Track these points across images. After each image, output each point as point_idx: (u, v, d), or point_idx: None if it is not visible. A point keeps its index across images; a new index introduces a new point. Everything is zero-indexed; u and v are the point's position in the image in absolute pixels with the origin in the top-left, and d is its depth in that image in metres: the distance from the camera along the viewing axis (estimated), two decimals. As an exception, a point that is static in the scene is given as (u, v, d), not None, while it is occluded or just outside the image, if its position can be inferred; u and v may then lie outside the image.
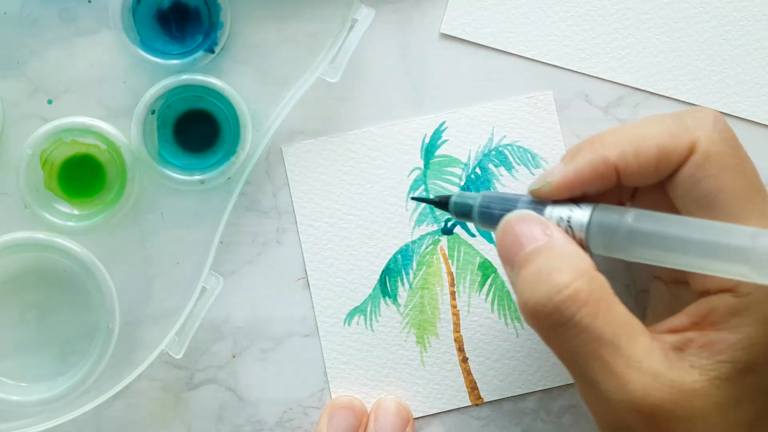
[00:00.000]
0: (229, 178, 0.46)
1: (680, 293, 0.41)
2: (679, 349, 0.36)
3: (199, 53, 0.46)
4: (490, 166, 0.48)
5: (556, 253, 0.36)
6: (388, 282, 0.47)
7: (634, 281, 0.48)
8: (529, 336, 0.47)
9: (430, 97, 0.48)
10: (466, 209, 0.40)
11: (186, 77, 0.45)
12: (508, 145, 0.48)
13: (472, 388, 0.47)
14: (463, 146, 0.48)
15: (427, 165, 0.48)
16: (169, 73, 0.45)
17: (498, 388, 0.47)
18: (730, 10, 0.48)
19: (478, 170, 0.48)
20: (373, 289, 0.47)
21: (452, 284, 0.47)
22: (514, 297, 0.47)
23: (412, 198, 0.44)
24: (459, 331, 0.47)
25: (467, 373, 0.47)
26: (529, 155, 0.48)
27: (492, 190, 0.47)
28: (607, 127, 0.47)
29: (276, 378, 0.47)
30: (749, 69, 0.48)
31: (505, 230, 0.38)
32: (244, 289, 0.47)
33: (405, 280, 0.47)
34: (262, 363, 0.47)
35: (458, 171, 0.47)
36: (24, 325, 0.47)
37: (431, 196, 0.44)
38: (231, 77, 0.46)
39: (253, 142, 0.46)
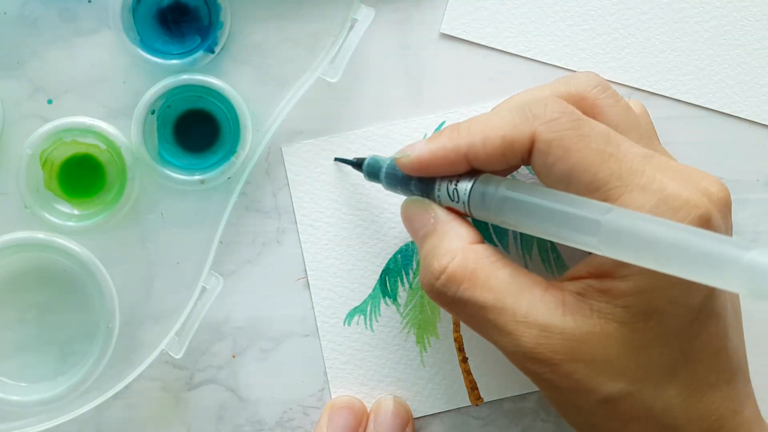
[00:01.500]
0: (229, 178, 0.46)
1: None
2: (581, 294, 0.38)
3: (199, 53, 0.46)
4: (490, 166, 0.48)
5: (437, 235, 0.40)
6: (388, 282, 0.47)
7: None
8: (529, 336, 0.47)
9: (430, 97, 0.48)
10: (376, 170, 0.44)
11: (186, 77, 0.45)
12: (508, 145, 0.48)
13: (472, 388, 0.47)
14: (463, 146, 0.48)
15: (427, 165, 0.48)
16: (169, 73, 0.45)
17: (498, 388, 0.47)
18: (730, 10, 0.48)
19: (478, 170, 0.47)
20: (373, 289, 0.47)
21: None
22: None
23: (335, 159, 0.47)
24: (459, 331, 0.47)
25: (467, 373, 0.47)
26: (529, 155, 0.48)
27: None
28: (606, 127, 0.48)
29: (276, 378, 0.47)
30: (749, 69, 0.48)
31: (403, 219, 0.42)
32: (244, 289, 0.47)
33: (405, 280, 0.47)
34: (262, 363, 0.47)
35: (458, 171, 0.47)
36: (24, 325, 0.47)
37: (363, 158, 0.46)
38: (231, 77, 0.46)
39: (253, 142, 0.46)
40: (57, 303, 0.47)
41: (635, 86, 0.48)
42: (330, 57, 0.46)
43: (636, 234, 0.34)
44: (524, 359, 0.38)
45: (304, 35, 0.47)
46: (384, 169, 0.43)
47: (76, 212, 0.46)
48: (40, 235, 0.45)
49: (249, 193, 0.47)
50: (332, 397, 0.47)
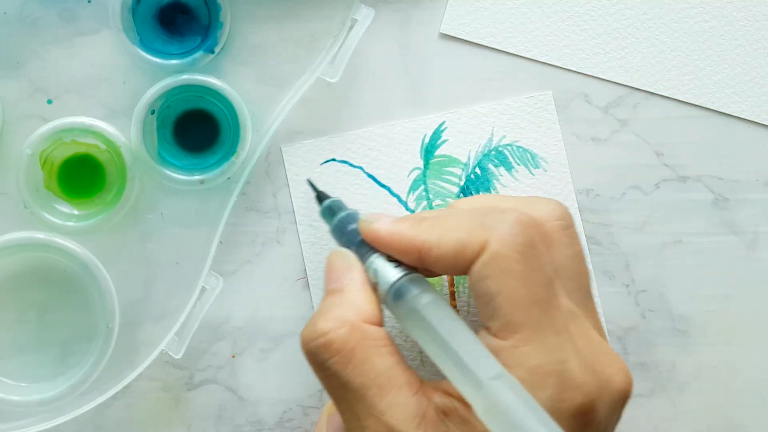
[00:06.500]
0: (229, 178, 0.46)
1: None
2: (445, 413, 0.37)
3: (199, 53, 0.46)
4: (490, 166, 0.48)
5: (339, 297, 0.39)
6: (387, 282, 0.47)
7: (634, 281, 0.48)
8: (529, 336, 0.47)
9: (430, 97, 0.48)
10: (333, 212, 0.43)
11: (186, 77, 0.45)
12: (507, 145, 0.48)
13: (472, 388, 0.47)
14: (462, 146, 0.48)
15: (426, 165, 0.48)
16: (169, 73, 0.45)
17: (498, 388, 0.47)
18: (730, 10, 0.48)
19: (477, 170, 0.48)
20: (373, 289, 0.47)
21: (452, 284, 0.47)
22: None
23: (308, 180, 0.47)
24: (459, 331, 0.47)
25: (467, 373, 0.47)
26: (528, 155, 0.48)
27: (484, 191, 0.47)
28: (606, 127, 0.48)
29: (276, 378, 0.47)
30: (749, 69, 0.48)
31: (326, 261, 0.41)
32: (244, 289, 0.47)
33: (405, 280, 0.47)
34: (262, 363, 0.47)
35: (458, 171, 0.48)
36: (24, 325, 0.47)
37: (329, 196, 0.45)
38: (231, 77, 0.46)
39: (253, 142, 0.46)
40: (57, 303, 0.47)
41: (635, 86, 0.48)
42: (330, 57, 0.46)
43: (508, 413, 0.34)
44: None
45: (304, 35, 0.47)
46: (338, 217, 0.42)
47: (75, 212, 0.46)
48: (40, 235, 0.45)
49: (249, 193, 0.47)
50: (332, 397, 0.47)
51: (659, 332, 0.48)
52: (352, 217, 0.42)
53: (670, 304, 0.48)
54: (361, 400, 0.37)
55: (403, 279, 0.39)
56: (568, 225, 0.40)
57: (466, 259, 0.37)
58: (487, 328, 0.37)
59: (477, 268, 0.37)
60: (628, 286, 0.48)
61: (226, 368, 0.47)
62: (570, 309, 0.38)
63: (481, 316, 0.38)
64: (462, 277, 0.47)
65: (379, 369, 0.37)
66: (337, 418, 0.45)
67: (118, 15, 0.45)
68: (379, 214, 0.41)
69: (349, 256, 0.41)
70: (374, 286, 0.40)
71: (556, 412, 0.35)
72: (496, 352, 0.36)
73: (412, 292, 0.38)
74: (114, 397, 0.45)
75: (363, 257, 0.40)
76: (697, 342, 0.48)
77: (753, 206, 0.48)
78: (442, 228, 0.38)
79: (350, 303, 0.39)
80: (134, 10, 0.46)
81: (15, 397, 0.45)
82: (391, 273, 0.39)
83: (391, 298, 0.39)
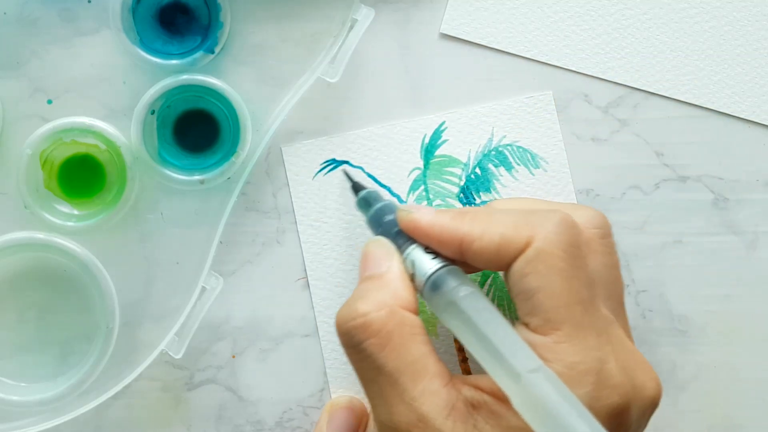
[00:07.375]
0: (229, 178, 0.46)
1: None
2: (474, 406, 0.37)
3: (199, 53, 0.46)
4: (490, 166, 0.48)
5: (379, 283, 0.39)
6: (387, 282, 0.47)
7: (634, 281, 0.48)
8: (529, 336, 0.47)
9: (430, 97, 0.48)
10: (369, 203, 0.43)
11: (186, 77, 0.45)
12: (507, 145, 0.48)
13: (472, 388, 0.47)
14: (462, 146, 0.48)
15: (426, 165, 0.48)
16: (168, 73, 0.45)
17: (498, 388, 0.47)
18: (730, 10, 0.48)
19: (477, 170, 0.48)
20: (373, 289, 0.47)
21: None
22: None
23: (344, 171, 0.47)
24: (459, 331, 0.47)
25: (467, 373, 0.47)
26: (528, 155, 0.48)
27: (484, 192, 0.47)
28: (606, 127, 0.48)
29: (276, 378, 0.47)
30: (749, 69, 0.48)
31: (364, 249, 0.41)
32: (244, 289, 0.47)
33: (405, 280, 0.47)
34: (262, 363, 0.47)
35: (458, 171, 0.48)
36: (24, 325, 0.47)
37: (365, 187, 0.45)
38: (231, 77, 0.46)
39: (252, 142, 0.46)
40: (57, 303, 0.47)
41: (635, 86, 0.48)
42: (330, 57, 0.46)
43: (546, 406, 0.34)
44: None
45: (304, 35, 0.47)
46: (375, 208, 0.43)
47: (75, 212, 0.46)
48: (40, 236, 0.45)
49: (249, 193, 0.47)
50: (332, 397, 0.47)
51: (659, 332, 0.48)
52: (389, 208, 0.42)
53: (670, 304, 0.48)
54: (394, 385, 0.37)
55: (441, 270, 0.39)
56: (606, 234, 0.40)
57: (509, 254, 0.37)
58: (526, 324, 0.37)
59: (520, 264, 0.37)
60: (628, 286, 0.48)
61: (226, 368, 0.47)
62: (607, 316, 0.38)
63: (519, 312, 0.38)
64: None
65: (414, 356, 0.37)
66: (338, 419, 0.46)
67: (118, 15, 0.45)
68: (417, 206, 0.41)
69: (387, 244, 0.41)
70: (411, 277, 0.40)
71: (591, 410, 0.35)
72: (534, 348, 0.36)
73: (449, 284, 0.38)
74: (114, 397, 0.45)
75: (399, 248, 0.40)
76: (697, 342, 0.48)
77: (753, 206, 0.48)
78: (486, 222, 0.38)
79: (390, 288, 0.39)
80: (134, 10, 0.46)
81: (15, 397, 0.45)
82: (428, 264, 0.39)
83: (428, 289, 0.39)
